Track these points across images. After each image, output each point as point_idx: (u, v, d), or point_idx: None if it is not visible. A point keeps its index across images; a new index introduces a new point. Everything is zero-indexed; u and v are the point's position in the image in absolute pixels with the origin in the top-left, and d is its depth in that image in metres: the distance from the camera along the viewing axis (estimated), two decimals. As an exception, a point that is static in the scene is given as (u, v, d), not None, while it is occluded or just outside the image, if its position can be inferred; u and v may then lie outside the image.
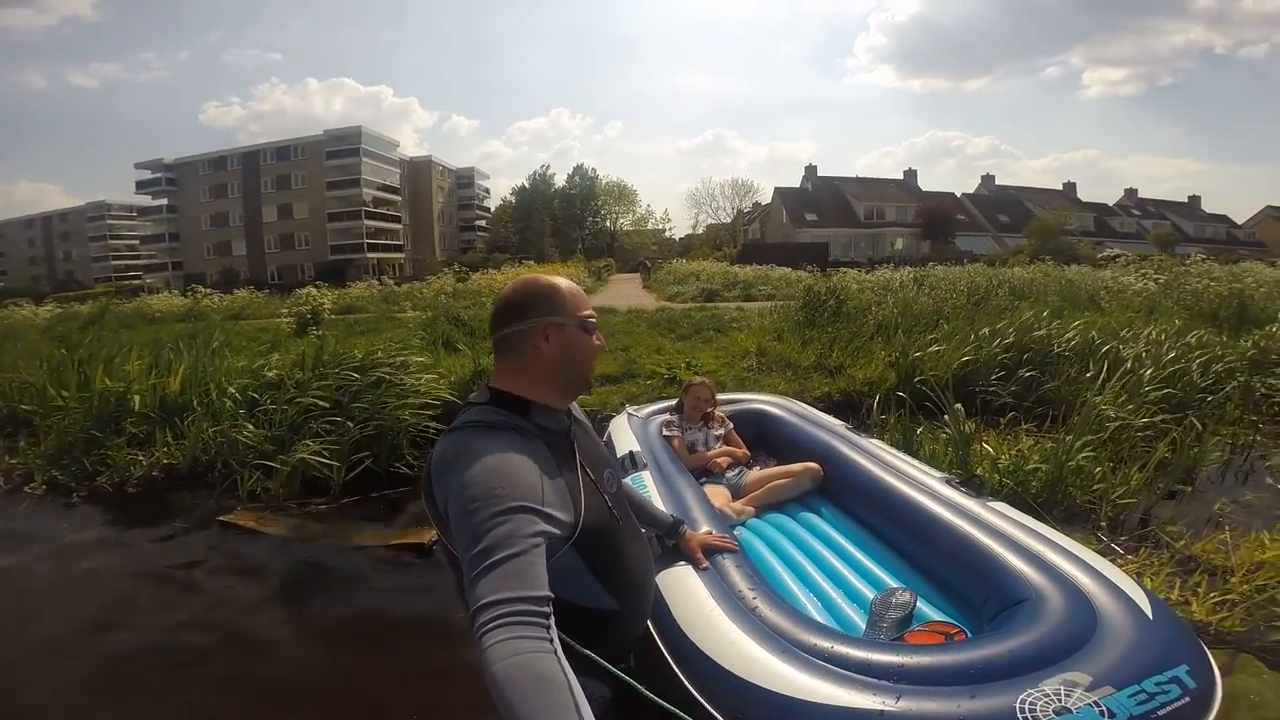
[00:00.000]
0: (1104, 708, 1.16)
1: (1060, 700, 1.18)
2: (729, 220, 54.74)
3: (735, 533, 2.18)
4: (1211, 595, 2.34)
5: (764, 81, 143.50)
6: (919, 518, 2.09)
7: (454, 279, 18.27)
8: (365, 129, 47.93)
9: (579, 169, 57.07)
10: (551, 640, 0.87)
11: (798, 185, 47.36)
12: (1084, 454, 3.21)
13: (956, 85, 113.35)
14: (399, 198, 50.48)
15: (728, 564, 1.73)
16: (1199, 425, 3.85)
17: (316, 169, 46.54)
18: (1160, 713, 1.18)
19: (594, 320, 1.26)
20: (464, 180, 59.72)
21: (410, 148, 61.51)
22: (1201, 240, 40.28)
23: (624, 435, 2.90)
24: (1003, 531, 1.86)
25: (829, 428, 3.00)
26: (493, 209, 59.14)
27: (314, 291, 12.26)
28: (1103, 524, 3.00)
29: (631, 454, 2.56)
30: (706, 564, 1.70)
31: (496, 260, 31.46)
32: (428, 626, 2.43)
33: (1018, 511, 2.04)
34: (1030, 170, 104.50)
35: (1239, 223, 49.23)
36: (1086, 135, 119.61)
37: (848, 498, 2.50)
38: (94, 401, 4.44)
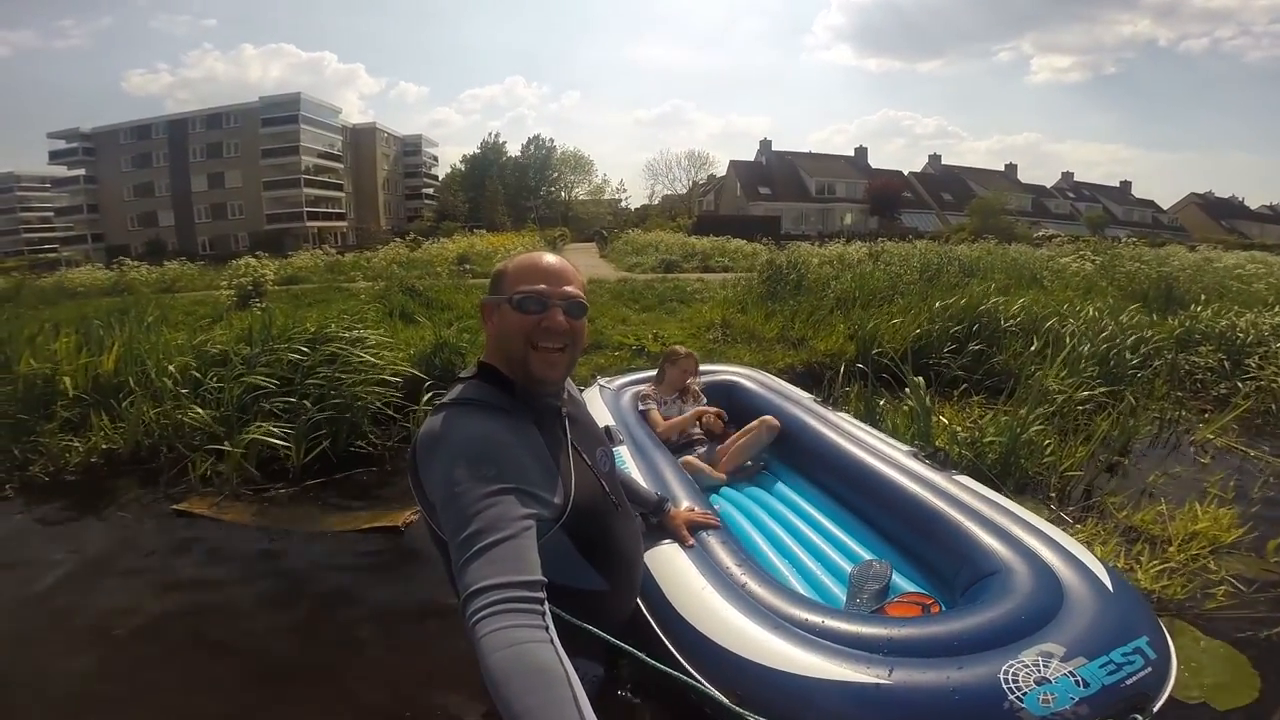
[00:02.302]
0: (1079, 677, 1.24)
1: (1039, 670, 1.25)
2: (685, 191, 54.66)
3: (716, 507, 2.20)
4: (1153, 564, 2.48)
5: (724, 55, 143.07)
6: (890, 491, 2.16)
7: (406, 247, 17.60)
8: (305, 95, 45.49)
9: (535, 139, 55.89)
10: (547, 628, 0.85)
11: (752, 159, 47.52)
12: (1035, 427, 3.36)
13: (911, 66, 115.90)
14: (341, 165, 48.27)
15: (713, 541, 1.75)
16: (1133, 400, 4.08)
17: (251, 137, 43.97)
18: (1127, 682, 1.26)
19: (532, 295, 1.14)
20: (410, 148, 57.42)
21: (355, 115, 58.96)
22: (1130, 224, 42.63)
23: (597, 408, 2.88)
24: (969, 505, 1.94)
25: (797, 400, 3.06)
26: (441, 177, 57.14)
27: (254, 261, 11.57)
28: (1052, 495, 3.16)
29: (607, 429, 2.53)
30: (693, 541, 1.72)
31: (446, 229, 30.42)
32: (405, 612, 2.37)
33: (981, 485, 2.12)
34: (975, 151, 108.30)
35: (1164, 208, 52.23)
36: (1030, 119, 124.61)
37: (821, 472, 2.54)
38: (19, 385, 4.09)
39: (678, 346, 3.17)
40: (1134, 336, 5.15)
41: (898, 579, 1.89)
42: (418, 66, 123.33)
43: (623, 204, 56.85)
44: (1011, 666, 1.25)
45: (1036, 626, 1.38)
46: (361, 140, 51.61)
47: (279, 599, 2.52)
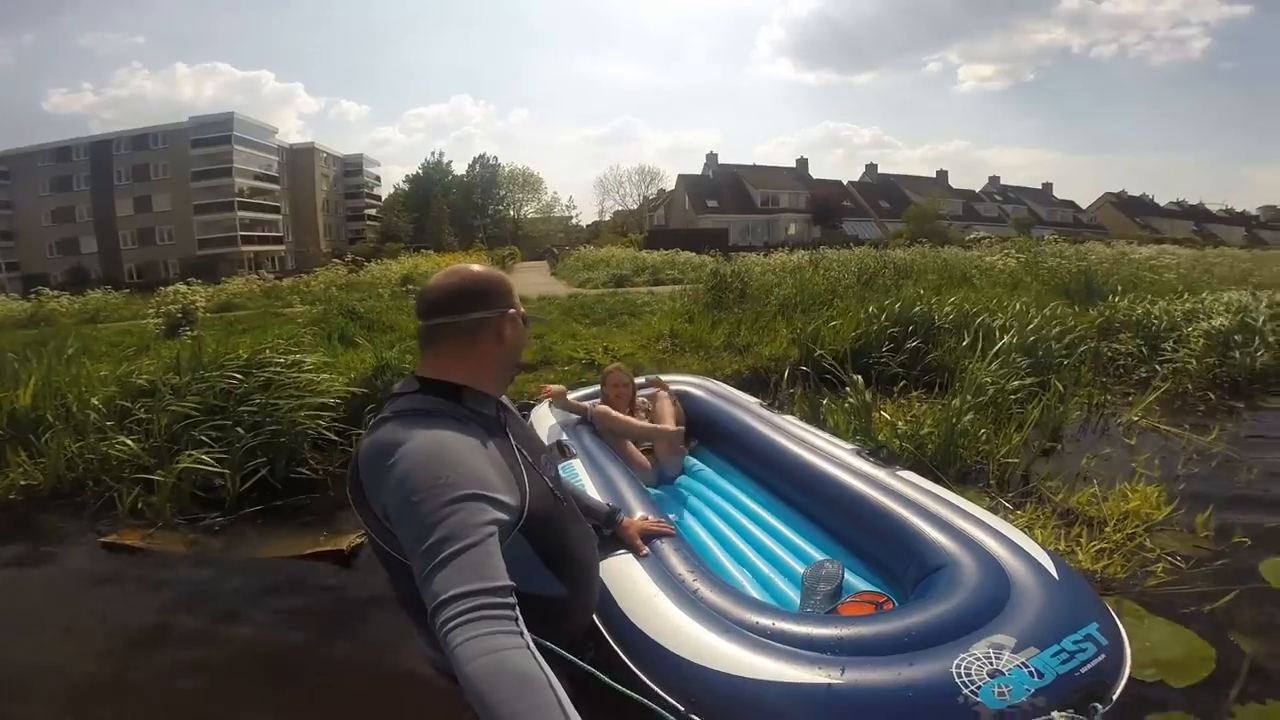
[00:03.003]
0: (1032, 668, 1.23)
1: (992, 663, 1.23)
2: (635, 207, 55.12)
3: (671, 516, 2.20)
4: (1092, 545, 2.58)
5: (672, 71, 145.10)
6: (838, 491, 2.17)
7: (345, 270, 17.14)
8: (238, 115, 43.66)
9: (480, 158, 55.39)
10: (522, 633, 0.85)
11: (700, 173, 48.36)
12: (969, 417, 3.50)
13: (847, 79, 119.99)
14: (277, 187, 46.61)
15: (666, 548, 1.74)
16: (1060, 388, 4.30)
17: (181, 158, 41.84)
18: (1082, 670, 1.25)
19: (524, 312, 1.27)
20: (351, 168, 55.93)
21: (294, 135, 57.08)
22: (1053, 223, 45.14)
23: (548, 424, 2.85)
24: (914, 500, 1.96)
25: (745, 406, 3.08)
26: (384, 198, 56.03)
27: (184, 288, 11.05)
28: (992, 482, 3.28)
29: (560, 443, 2.52)
30: (646, 550, 1.71)
31: (390, 250, 29.78)
32: (351, 637, 2.29)
33: (925, 480, 2.16)
34: (909, 159, 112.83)
35: (1083, 207, 55.64)
36: (958, 127, 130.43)
37: (771, 475, 2.56)
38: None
39: (610, 364, 3.21)
40: (1058, 327, 5.45)
41: (850, 578, 1.90)
42: (359, 85, 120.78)
43: (573, 221, 56.91)
44: (964, 660, 1.25)
45: (986, 619, 1.37)
46: (299, 161, 49.99)
47: (214, 627, 2.41)
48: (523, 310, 1.24)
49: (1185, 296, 6.75)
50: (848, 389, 3.88)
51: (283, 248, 45.75)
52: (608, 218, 55.85)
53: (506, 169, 55.10)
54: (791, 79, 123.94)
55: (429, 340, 1.19)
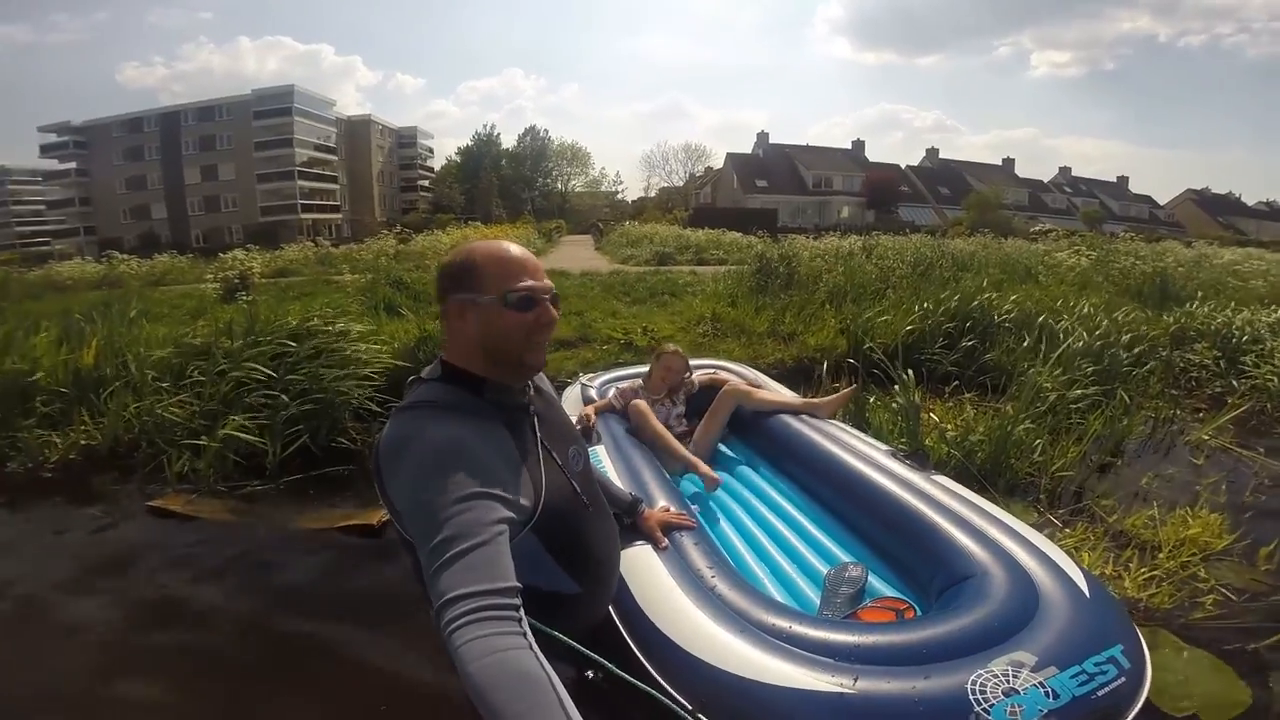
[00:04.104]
0: (1049, 689, 1.19)
1: (1008, 681, 1.20)
2: (681, 184, 54.53)
3: (693, 506, 2.16)
4: (1141, 571, 2.43)
5: (723, 48, 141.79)
6: (868, 492, 2.12)
7: (395, 240, 17.52)
8: (298, 88, 45.20)
9: (530, 130, 55.88)
10: (525, 634, 0.84)
11: (749, 151, 47.36)
12: (1024, 426, 3.30)
13: (910, 60, 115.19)
14: (335, 158, 48.00)
15: (687, 542, 1.71)
16: (1126, 399, 4.03)
17: (244, 129, 43.61)
18: (1099, 693, 1.22)
19: (528, 293, 1.09)
20: (406, 140, 57.03)
21: (352, 107, 58.78)
22: (1126, 219, 42.46)
23: (577, 406, 2.84)
24: (948, 507, 1.90)
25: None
26: (437, 169, 56.97)
27: (242, 254, 11.47)
28: (1042, 496, 3.10)
29: (584, 429, 2.50)
30: (666, 543, 1.68)
31: (440, 221, 30.34)
32: (378, 612, 2.33)
33: (961, 486, 2.08)
34: (973, 145, 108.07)
35: (1161, 204, 52.19)
36: (1028, 114, 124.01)
37: (801, 472, 2.51)
38: (-2, 380, 4.02)
39: (666, 344, 3.00)
40: (1129, 334, 5.10)
41: (874, 582, 1.86)
42: (415, 58, 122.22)
43: (619, 196, 56.85)
44: (980, 677, 1.21)
45: (1009, 634, 1.33)
46: (357, 132, 51.32)
47: (248, 597, 2.47)
48: (504, 292, 1.09)
49: (1273, 307, 6.20)
50: (896, 386, 3.71)
51: (340, 216, 47.33)
52: (653, 194, 55.48)
53: (556, 143, 55.33)
54: (849, 58, 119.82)
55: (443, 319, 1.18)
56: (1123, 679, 1.25)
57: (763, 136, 47.70)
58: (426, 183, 55.92)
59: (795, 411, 2.70)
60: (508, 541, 0.94)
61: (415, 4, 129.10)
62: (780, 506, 2.39)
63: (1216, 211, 49.57)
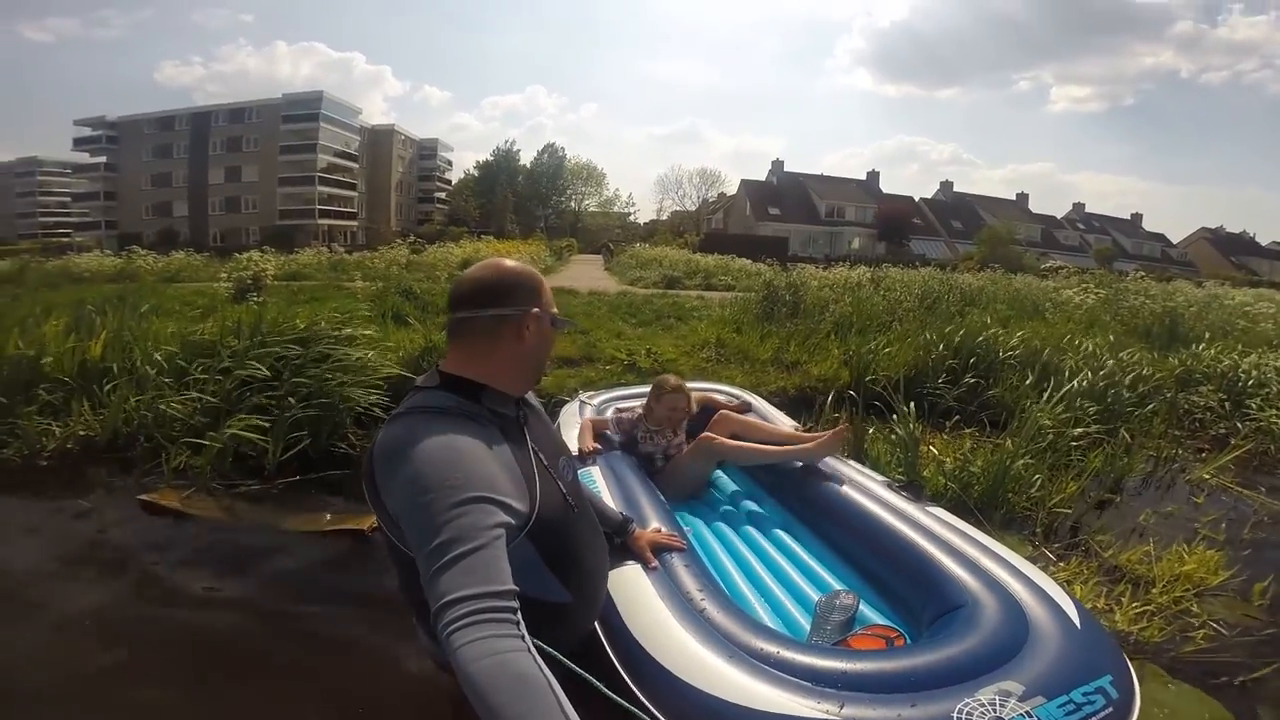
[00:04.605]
0: (1035, 718, 1.19)
1: (995, 710, 1.20)
2: (694, 208, 54.97)
3: (685, 529, 2.15)
4: (1134, 605, 2.42)
5: (742, 74, 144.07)
6: (862, 521, 2.13)
7: (408, 250, 17.71)
8: (327, 94, 46.47)
9: (549, 147, 56.67)
10: (523, 637, 0.85)
11: (763, 179, 47.75)
12: (1023, 461, 3.31)
13: (930, 93, 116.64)
14: (356, 165, 48.98)
15: (677, 563, 1.71)
16: (1128, 438, 4.02)
17: (271, 132, 44.76)
18: None
19: (558, 315, 1.25)
20: (426, 151, 58.19)
21: (377, 116, 60.24)
22: (1139, 257, 42.46)
23: (574, 424, 2.82)
24: (940, 537, 1.91)
25: (780, 424, 3.00)
26: (455, 182, 57.82)
27: (257, 256, 11.62)
28: (1038, 531, 3.09)
29: (580, 448, 2.50)
30: (656, 564, 1.67)
31: (454, 233, 30.68)
32: (365, 617, 2.31)
33: (955, 517, 2.10)
34: (988, 180, 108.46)
35: (1174, 242, 52.07)
36: (1045, 149, 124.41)
37: (795, 498, 2.51)
38: (3, 366, 4.06)
39: (668, 377, 2.77)
40: (1133, 374, 5.09)
41: (865, 610, 1.85)
42: (442, 71, 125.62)
43: (631, 218, 57.34)
44: (966, 705, 1.21)
45: (998, 663, 1.33)
46: (379, 141, 52.36)
47: (233, 596, 2.47)
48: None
49: (1281, 350, 6.16)
50: (895, 418, 3.71)
51: (356, 223, 48.15)
52: (665, 217, 55.90)
53: (571, 162, 55.95)
54: (869, 90, 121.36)
55: (454, 333, 1.20)
56: (1110, 709, 1.25)
57: (777, 164, 48.18)
58: (443, 195, 56.78)
59: (782, 457, 2.56)
60: (504, 545, 0.96)
61: (445, 18, 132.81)
62: (773, 532, 2.38)
63: (1230, 251, 49.42)
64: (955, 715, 1.19)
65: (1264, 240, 53.44)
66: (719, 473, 2.84)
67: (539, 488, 1.13)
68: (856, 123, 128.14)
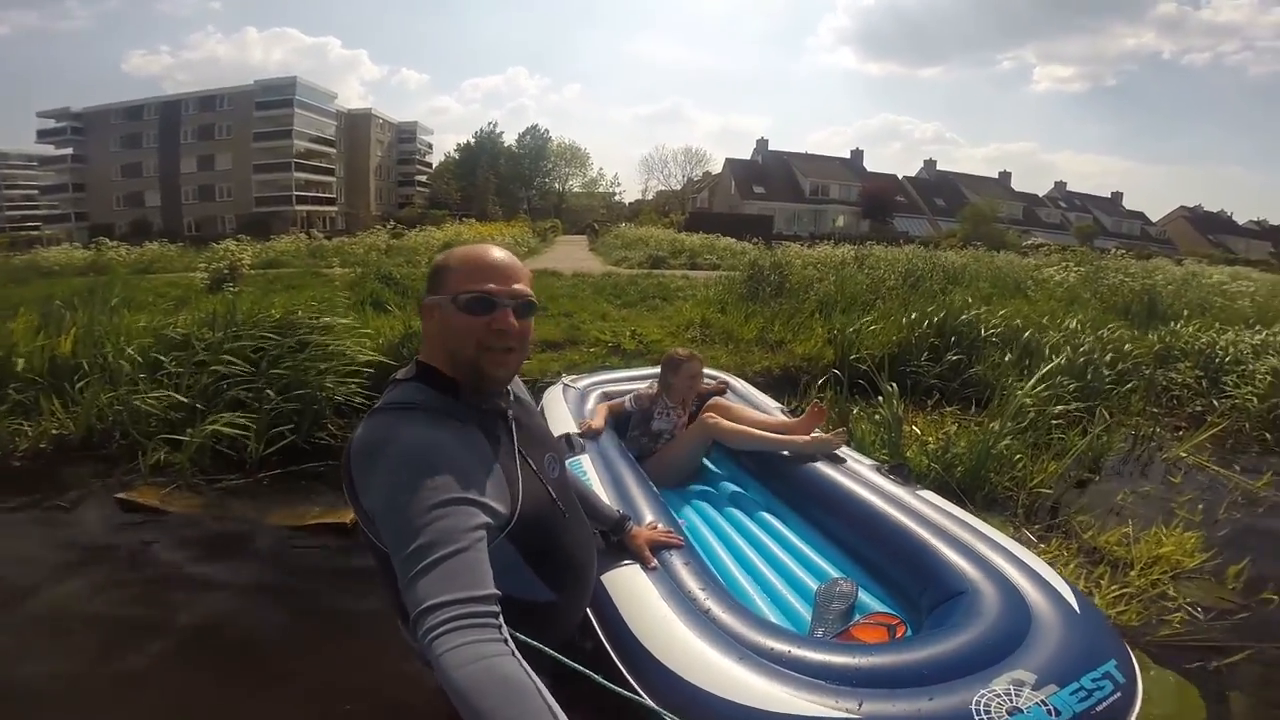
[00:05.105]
0: (1050, 706, 1.20)
1: (1012, 700, 1.20)
2: (679, 188, 54.62)
3: (681, 521, 2.13)
4: (1112, 588, 2.44)
5: (727, 54, 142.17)
6: (856, 507, 2.12)
7: (388, 235, 17.43)
8: (301, 80, 45.50)
9: (532, 129, 55.80)
10: (507, 641, 0.83)
11: (748, 157, 47.48)
12: (1005, 441, 3.31)
13: (912, 71, 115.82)
14: (334, 150, 48.04)
15: (676, 561, 1.68)
16: (1107, 415, 4.06)
17: (244, 119, 43.83)
18: (1098, 708, 1.23)
19: (484, 295, 1.07)
20: (406, 135, 57.15)
21: (354, 100, 59.25)
22: (1119, 235, 42.81)
23: (559, 411, 2.77)
24: (934, 522, 1.91)
25: (767, 410, 2.99)
26: (435, 165, 56.93)
27: (233, 245, 11.37)
28: (1019, 511, 3.11)
29: (569, 436, 2.44)
30: (655, 563, 1.64)
31: (435, 217, 30.20)
32: (346, 612, 2.30)
33: (946, 501, 2.10)
34: (971, 158, 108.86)
35: (1154, 220, 52.67)
36: (1028, 128, 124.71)
37: (787, 487, 2.49)
38: (-33, 365, 3.95)
39: (679, 350, 2.84)
40: (1112, 352, 5.14)
41: (864, 598, 1.85)
42: (421, 54, 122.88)
43: (616, 198, 56.81)
44: (983, 697, 1.21)
45: (1006, 652, 1.34)
46: (357, 126, 51.39)
47: (212, 594, 2.44)
48: (459, 291, 1.08)
49: (1258, 328, 6.26)
50: (880, 398, 3.71)
51: (335, 209, 47.37)
52: (650, 197, 55.49)
53: (555, 143, 55.18)
54: (852, 68, 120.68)
55: None
56: (1119, 694, 1.27)
57: (762, 143, 47.98)
58: (424, 178, 55.91)
59: (780, 446, 2.56)
60: (485, 547, 0.93)
61: (423, 1, 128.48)
62: (768, 522, 2.36)
63: (1208, 229, 50.16)
64: (974, 707, 1.19)
65: (1241, 219, 54.44)
66: (709, 463, 2.83)
67: (521, 487, 1.10)
68: (840, 101, 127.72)
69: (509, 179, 51.69)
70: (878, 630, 1.62)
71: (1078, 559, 2.67)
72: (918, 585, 1.77)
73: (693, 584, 1.60)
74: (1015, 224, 38.40)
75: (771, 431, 2.59)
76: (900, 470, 2.29)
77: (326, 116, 48.01)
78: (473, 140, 54.73)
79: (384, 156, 54.33)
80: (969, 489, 3.12)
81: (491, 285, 1.08)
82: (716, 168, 51.16)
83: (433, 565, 0.87)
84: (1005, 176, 51.75)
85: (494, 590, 0.88)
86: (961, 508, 2.09)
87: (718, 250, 16.39)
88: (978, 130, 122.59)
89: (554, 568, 1.20)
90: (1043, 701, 1.20)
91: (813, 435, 2.52)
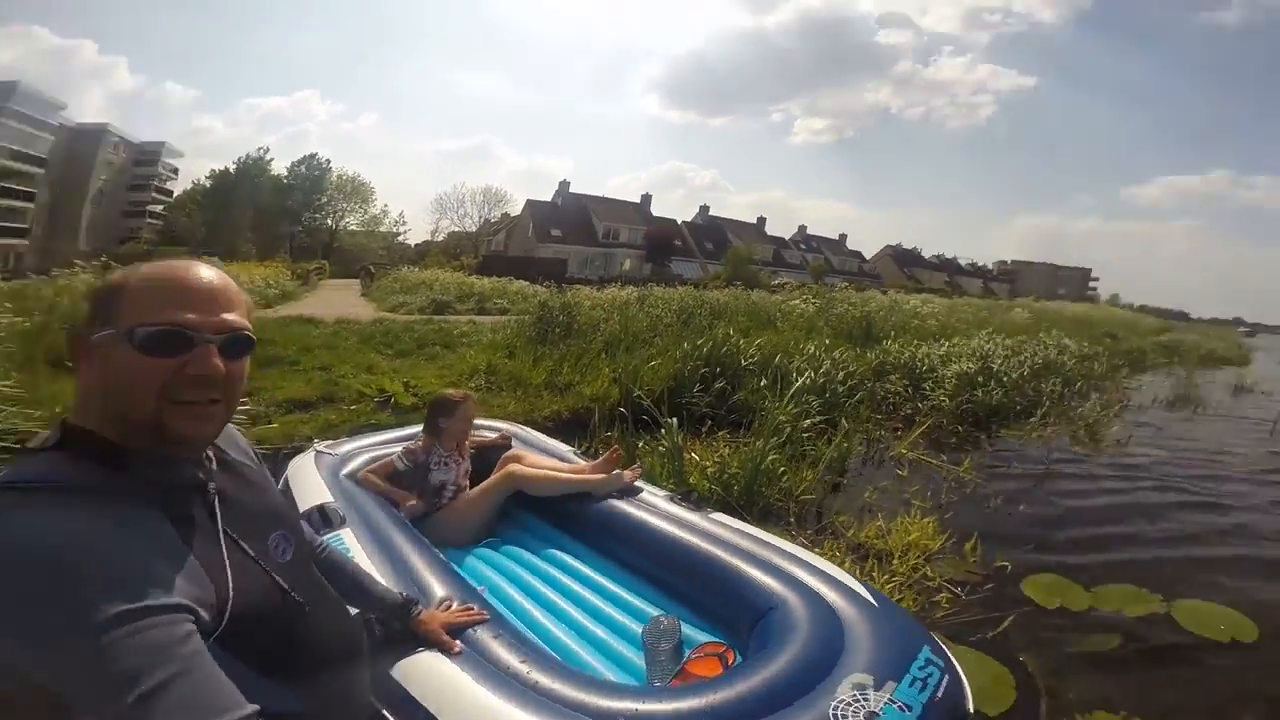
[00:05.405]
0: (900, 702, 1.25)
1: (865, 705, 1.23)
2: (474, 229, 53.25)
3: (482, 588, 1.92)
4: (883, 578, 2.74)
5: (547, 92, 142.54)
6: (660, 540, 2.11)
7: (91, 274, 14.08)
8: (23, 85, 37.40)
9: (308, 158, 49.52)
10: None
11: (549, 199, 48.10)
12: (771, 457, 3.65)
13: (706, 120, 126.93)
14: (40, 170, 38.79)
15: (485, 637, 1.47)
16: (846, 424, 4.73)
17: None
18: (939, 695, 1.30)
19: (173, 328, 0.79)
20: (146, 157, 48.16)
21: (93, 113, 47.58)
22: (843, 272, 51.72)
23: (309, 482, 2.33)
24: (733, 543, 1.98)
25: (558, 454, 2.89)
26: (178, 193, 48.65)
27: None
28: (792, 520, 3.42)
29: (322, 508, 2.05)
30: (458, 646, 1.40)
31: (165, 253, 25.23)
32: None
33: (736, 520, 2.18)
34: (737, 204, 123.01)
35: (868, 258, 64.66)
36: (783, 176, 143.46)
37: (588, 528, 2.39)
38: None
39: (449, 391, 2.66)
40: (844, 370, 6.07)
41: (688, 630, 1.83)
42: (193, 66, 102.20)
43: (400, 238, 53.34)
44: (836, 707, 1.23)
45: (833, 659, 1.38)
46: (81, 144, 42.24)
47: None
48: (152, 327, 0.78)
49: (942, 341, 7.93)
50: (663, 430, 3.86)
51: (25, 241, 37.57)
52: (441, 238, 53.23)
53: (336, 174, 50.06)
54: (656, 115, 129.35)
55: None
56: (947, 676, 1.36)
57: (564, 185, 48.37)
58: (160, 208, 47.22)
59: (581, 486, 2.50)
60: (208, 655, 0.69)
61: (206, 5, 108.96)
62: (577, 569, 2.24)
63: (904, 264, 63.12)
64: (830, 716, 1.20)
65: (928, 254, 69.17)
66: (509, 515, 2.64)
67: (231, 580, 0.83)
68: (642, 146, 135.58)
69: (272, 213, 45.63)
70: (711, 662, 1.62)
71: (848, 556, 2.98)
72: (731, 608, 1.80)
73: (510, 657, 1.42)
74: (767, 265, 44.23)
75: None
76: (691, 498, 2.35)
77: (43, 130, 39.03)
78: (233, 167, 47.35)
79: (111, 180, 44.87)
80: (746, 504, 3.37)
81: (190, 315, 0.80)
82: (517, 209, 50.71)
83: (151, 703, 0.61)
84: (762, 222, 59.42)
85: (251, 707, 0.68)
86: (746, 523, 2.20)
87: (509, 294, 16.08)
88: (745, 178, 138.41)
89: (294, 671, 0.94)
90: (890, 699, 1.25)
91: (611, 473, 2.49)
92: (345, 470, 2.51)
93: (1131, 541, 3.54)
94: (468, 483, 2.60)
